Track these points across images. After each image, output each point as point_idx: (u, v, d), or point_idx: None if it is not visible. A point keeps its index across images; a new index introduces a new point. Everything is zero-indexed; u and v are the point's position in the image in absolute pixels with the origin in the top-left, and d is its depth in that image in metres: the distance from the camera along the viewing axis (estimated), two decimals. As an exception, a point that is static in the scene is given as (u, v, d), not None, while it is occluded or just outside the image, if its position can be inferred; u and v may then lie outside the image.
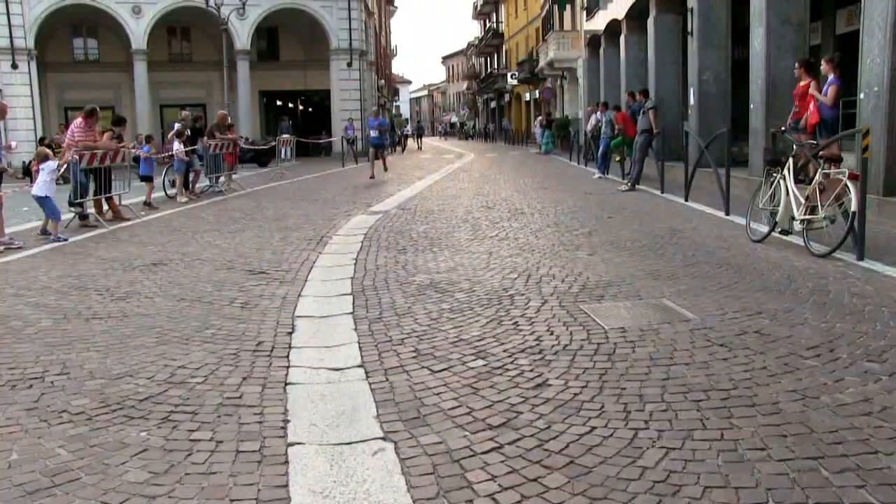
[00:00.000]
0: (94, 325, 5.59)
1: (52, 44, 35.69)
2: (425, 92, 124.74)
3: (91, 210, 12.05)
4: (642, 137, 15.59)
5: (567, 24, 38.53)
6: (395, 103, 72.98)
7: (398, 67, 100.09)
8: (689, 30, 16.52)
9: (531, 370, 4.33)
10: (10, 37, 32.20)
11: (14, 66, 32.47)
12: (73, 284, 7.13)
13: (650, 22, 19.89)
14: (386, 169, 21.44)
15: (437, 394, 4.00)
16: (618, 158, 17.95)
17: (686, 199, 12.42)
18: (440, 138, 78.98)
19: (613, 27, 25.10)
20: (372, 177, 19.79)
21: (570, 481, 2.98)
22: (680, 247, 8.23)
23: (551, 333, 5.06)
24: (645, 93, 17.12)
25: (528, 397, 3.90)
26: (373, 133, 21.03)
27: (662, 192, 13.89)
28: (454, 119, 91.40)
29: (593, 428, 3.49)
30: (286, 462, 3.24)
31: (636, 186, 15.07)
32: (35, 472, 3.18)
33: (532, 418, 3.63)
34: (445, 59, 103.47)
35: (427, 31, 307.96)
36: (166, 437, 3.52)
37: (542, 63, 40.55)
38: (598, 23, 27.56)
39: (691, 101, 16.74)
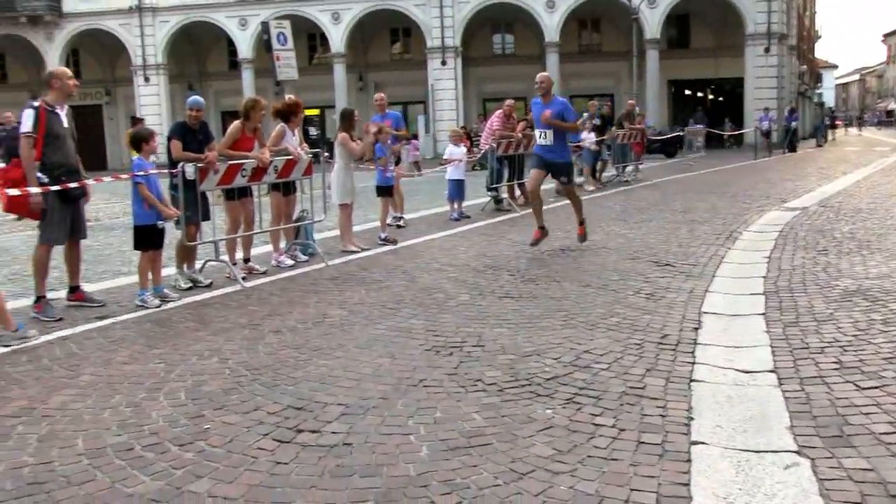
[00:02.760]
0: (505, 304, 5.98)
1: (473, 41, 39.06)
2: (855, 77, 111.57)
3: (504, 195, 12.99)
4: None
5: None
6: (816, 91, 66.67)
7: (822, 51, 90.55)
8: None
9: None
10: (442, 37, 36.16)
11: (443, 63, 36.38)
12: (487, 264, 7.74)
13: None
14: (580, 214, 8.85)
15: (866, 413, 3.53)
16: None
17: None
18: (873, 129, 70.04)
19: None
20: (534, 241, 8.49)
21: None
22: None
23: None
24: None
25: None
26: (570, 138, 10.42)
27: None
28: (892, 106, 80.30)
29: None
30: (688, 460, 3.13)
31: None
32: (454, 432, 3.51)
33: None
34: (887, 36, 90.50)
35: (861, 6, 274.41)
36: (570, 417, 3.62)
37: None
38: None
39: None
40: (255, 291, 6.83)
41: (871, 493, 2.81)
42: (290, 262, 8.04)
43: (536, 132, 8.72)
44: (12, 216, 6.14)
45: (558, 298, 6.10)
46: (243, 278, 7.20)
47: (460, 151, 12.21)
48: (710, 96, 42.80)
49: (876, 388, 3.85)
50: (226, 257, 7.55)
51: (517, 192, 13.25)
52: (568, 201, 9.12)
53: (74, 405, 4.01)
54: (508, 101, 13.46)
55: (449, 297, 6.26)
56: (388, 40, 41.34)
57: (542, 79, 8.58)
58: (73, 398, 4.12)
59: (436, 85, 35.75)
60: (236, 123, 7.68)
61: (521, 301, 6.05)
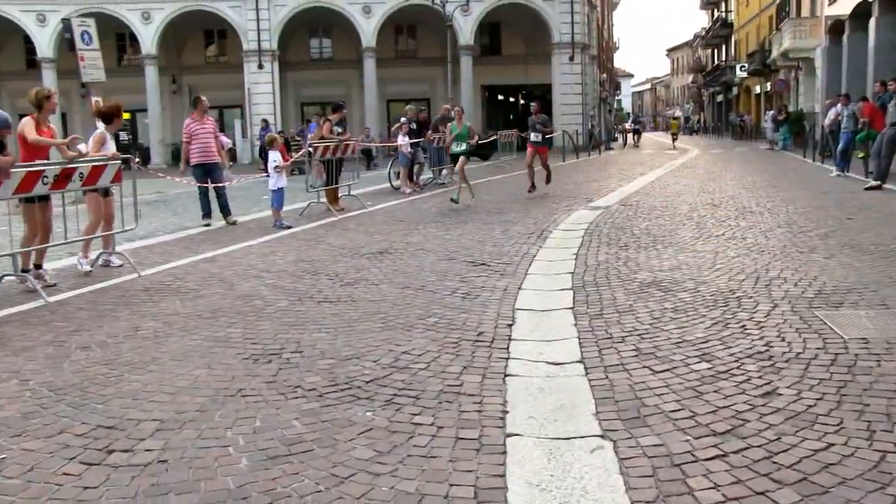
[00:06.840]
0: (324, 308, 6.01)
1: (291, 44, 37.50)
2: (648, 86, 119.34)
3: (323, 199, 12.91)
4: (892, 131, 13.66)
5: (805, 11, 34.62)
6: (616, 98, 69.35)
7: (620, 61, 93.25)
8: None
9: (759, 377, 4.08)
10: (258, 40, 34.73)
11: (260, 67, 35.11)
12: (306, 269, 7.71)
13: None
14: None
15: (659, 395, 3.87)
16: (861, 155, 16.19)
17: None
18: (665, 134, 67.87)
19: (860, 10, 23.24)
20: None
21: (804, 499, 2.78)
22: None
23: (782, 339, 4.71)
24: (901, 80, 12.97)
25: (755, 405, 3.69)
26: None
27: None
28: (678, 113, 78.23)
29: (830, 444, 3.22)
30: (504, 452, 3.33)
31: (883, 186, 13.30)
32: (274, 440, 3.47)
33: (760, 427, 3.43)
34: (670, 51, 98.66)
35: (651, 23, 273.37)
36: (390, 418, 3.73)
37: (774, 54, 37.27)
38: (844, 6, 25.46)
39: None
40: (60, 307, 6.38)
41: (661, 465, 3.13)
42: (88, 267, 7.83)
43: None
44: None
45: (377, 301, 6.14)
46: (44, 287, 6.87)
47: (275, 155, 11.42)
48: (522, 101, 42.91)
49: (667, 371, 4.21)
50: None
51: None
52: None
53: None
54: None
55: (267, 304, 6.13)
56: (203, 42, 39.70)
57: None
58: None
59: (253, 89, 34.74)
60: (28, 119, 7.31)
61: (339, 305, 6.03)
